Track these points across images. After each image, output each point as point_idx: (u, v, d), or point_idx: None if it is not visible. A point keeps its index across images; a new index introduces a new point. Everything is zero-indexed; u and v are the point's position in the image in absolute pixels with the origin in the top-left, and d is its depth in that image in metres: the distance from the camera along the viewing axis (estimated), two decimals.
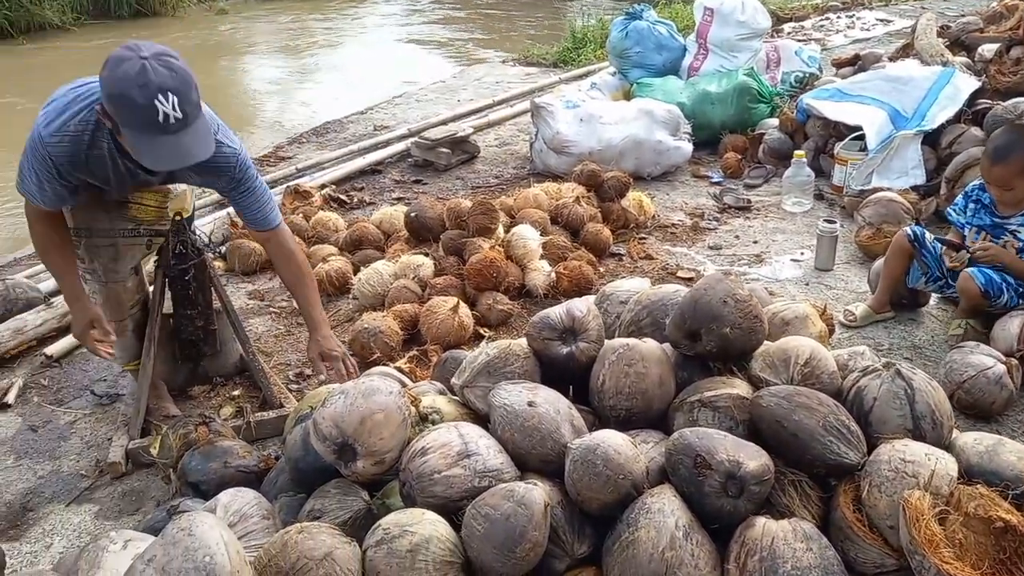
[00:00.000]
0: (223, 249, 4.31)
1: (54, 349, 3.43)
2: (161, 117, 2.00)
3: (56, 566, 2.03)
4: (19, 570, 2.30)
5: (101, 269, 2.64)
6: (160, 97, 1.98)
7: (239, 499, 1.99)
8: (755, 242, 4.41)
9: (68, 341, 3.47)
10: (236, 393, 3.12)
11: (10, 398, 3.13)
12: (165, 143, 2.05)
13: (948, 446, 1.96)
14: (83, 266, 2.64)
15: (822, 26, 9.62)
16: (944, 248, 3.25)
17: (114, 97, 2.01)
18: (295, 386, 3.19)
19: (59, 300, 3.73)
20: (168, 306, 2.94)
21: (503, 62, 9.75)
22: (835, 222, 4.01)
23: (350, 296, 3.78)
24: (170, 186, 2.65)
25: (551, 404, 2.02)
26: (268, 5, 14.57)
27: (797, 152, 4.88)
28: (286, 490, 2.22)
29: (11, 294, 3.62)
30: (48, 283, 3.94)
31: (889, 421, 1.95)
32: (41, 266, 4.33)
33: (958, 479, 1.79)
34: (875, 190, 4.41)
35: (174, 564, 1.56)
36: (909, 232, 3.29)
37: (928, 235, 3.30)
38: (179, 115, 2.02)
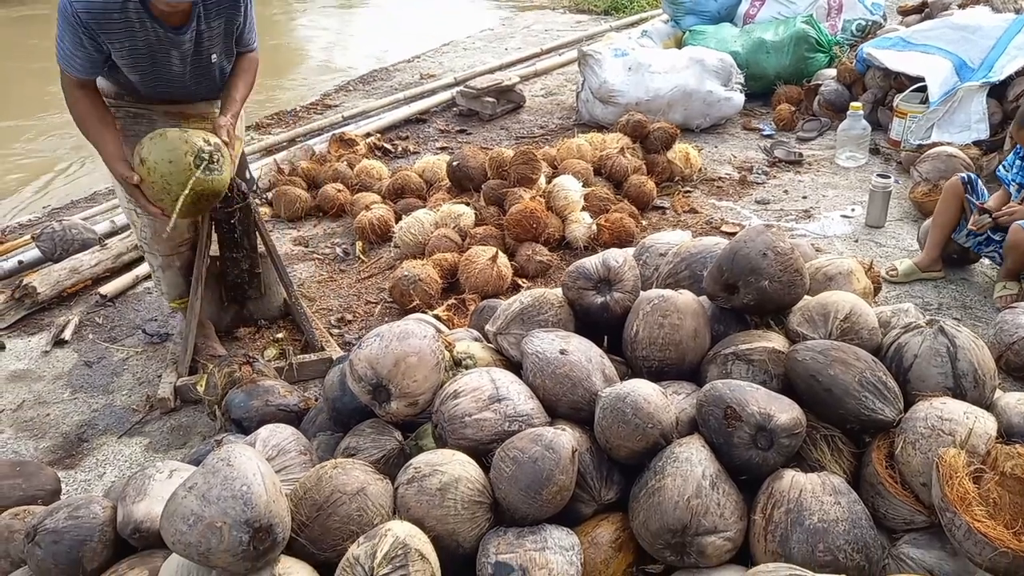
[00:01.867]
0: (269, 195, 4.38)
1: (108, 289, 3.55)
2: None
3: (107, 492, 2.13)
4: (73, 496, 2.43)
5: None
6: None
7: (277, 434, 2.06)
8: (804, 197, 4.29)
9: (122, 281, 3.60)
10: (280, 336, 3.19)
11: (67, 335, 3.27)
12: None
13: (989, 406, 1.92)
14: (135, 203, 2.69)
15: None
16: (977, 207, 3.20)
17: None
18: (336, 330, 3.25)
19: (113, 242, 3.86)
20: (215, 249, 3.01)
21: (553, 9, 9.56)
22: (889, 177, 3.88)
23: (391, 244, 3.82)
24: (215, 109, 2.72)
25: (583, 352, 2.02)
26: None
27: (854, 104, 4.71)
28: (324, 429, 2.29)
29: (67, 235, 3.75)
30: (103, 225, 4.06)
31: (929, 379, 1.91)
32: (96, 208, 4.47)
33: (997, 439, 1.75)
34: (934, 144, 4.24)
35: (213, 492, 1.62)
36: (964, 176, 3.25)
37: (981, 185, 3.25)
38: None
